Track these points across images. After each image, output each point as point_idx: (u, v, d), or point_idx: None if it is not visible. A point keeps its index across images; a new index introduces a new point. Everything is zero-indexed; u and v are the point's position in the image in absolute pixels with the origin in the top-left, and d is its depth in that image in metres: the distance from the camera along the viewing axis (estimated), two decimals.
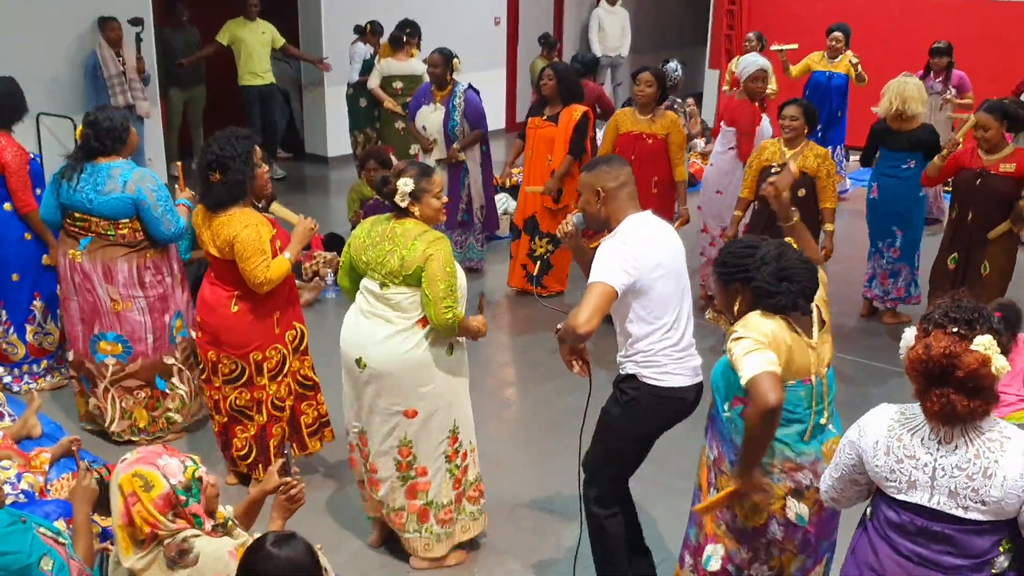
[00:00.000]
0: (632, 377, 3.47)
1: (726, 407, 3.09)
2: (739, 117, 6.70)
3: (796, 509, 3.03)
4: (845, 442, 2.59)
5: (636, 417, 3.51)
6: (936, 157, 5.86)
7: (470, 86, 7.32)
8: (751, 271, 3.02)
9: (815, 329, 3.06)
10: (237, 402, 4.47)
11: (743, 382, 2.85)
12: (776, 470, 3.05)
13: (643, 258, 3.32)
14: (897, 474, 2.42)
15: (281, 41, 10.04)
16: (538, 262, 6.78)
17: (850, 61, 8.95)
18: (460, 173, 7.29)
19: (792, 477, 3.04)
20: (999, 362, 2.25)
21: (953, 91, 8.75)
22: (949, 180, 6.11)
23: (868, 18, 11.07)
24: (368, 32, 9.94)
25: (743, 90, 6.84)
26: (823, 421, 3.07)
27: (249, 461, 4.56)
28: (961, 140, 5.76)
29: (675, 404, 3.50)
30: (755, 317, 2.99)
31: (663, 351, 3.41)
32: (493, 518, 4.29)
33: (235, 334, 4.36)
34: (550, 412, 5.49)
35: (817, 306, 3.09)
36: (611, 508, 3.66)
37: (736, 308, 3.10)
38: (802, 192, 5.83)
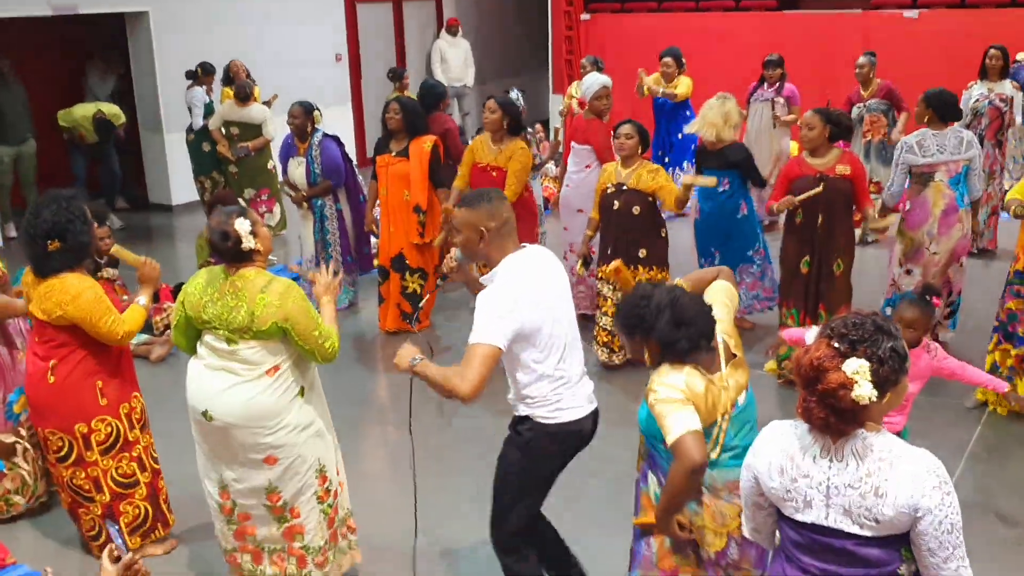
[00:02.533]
0: (527, 418, 3.42)
1: (662, 447, 3.06)
2: (593, 135, 6.88)
3: None
4: (743, 466, 2.57)
5: (535, 458, 3.46)
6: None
7: (326, 135, 7.27)
8: (648, 321, 3.01)
9: (723, 363, 3.05)
10: (74, 481, 4.22)
11: (668, 443, 2.89)
12: (724, 492, 3.07)
13: (523, 301, 3.25)
14: (793, 493, 2.38)
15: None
16: (419, 299, 6.78)
17: (651, 86, 9.29)
18: (316, 219, 7.29)
19: (739, 495, 3.10)
20: (862, 390, 2.21)
21: (782, 100, 9.15)
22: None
23: (701, 38, 11.52)
24: (200, 75, 9.71)
25: (589, 109, 7.02)
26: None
27: (100, 543, 4.30)
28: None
29: (572, 438, 3.47)
30: (666, 370, 3.00)
31: (555, 390, 3.38)
32: (367, 554, 4.21)
33: (54, 407, 4.11)
34: (426, 450, 5.41)
35: (724, 340, 3.09)
36: (522, 553, 3.61)
37: (647, 357, 3.12)
38: (637, 210, 6.00)
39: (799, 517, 2.39)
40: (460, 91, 14.14)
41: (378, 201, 6.93)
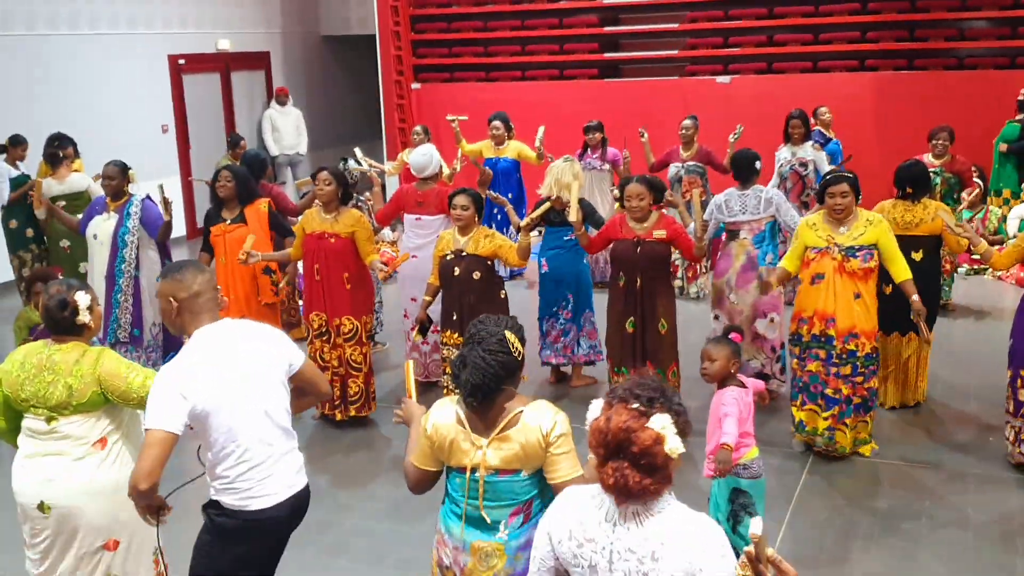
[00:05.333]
0: (216, 503, 3.33)
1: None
2: (431, 202, 7.09)
3: None
4: (539, 528, 2.56)
5: (227, 543, 3.33)
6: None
7: (148, 196, 7.09)
8: (463, 351, 3.10)
9: (495, 431, 3.01)
10: None
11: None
12: (436, 537, 3.19)
13: (201, 381, 3.17)
14: (579, 559, 2.39)
15: None
16: None
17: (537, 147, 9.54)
18: (112, 288, 6.96)
19: (439, 547, 3.17)
20: (672, 443, 2.27)
21: (607, 166, 9.53)
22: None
23: (528, 106, 11.88)
24: (8, 147, 9.27)
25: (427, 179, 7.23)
26: (487, 519, 3.05)
27: None
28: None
29: (264, 526, 3.34)
30: (436, 406, 3.14)
31: (241, 476, 3.27)
32: None
33: None
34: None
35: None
36: None
37: None
38: (477, 275, 6.12)
39: None
40: (293, 159, 14.08)
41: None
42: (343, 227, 6.31)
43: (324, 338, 6.40)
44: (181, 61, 13.00)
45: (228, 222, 6.68)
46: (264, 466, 3.30)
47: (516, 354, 3.08)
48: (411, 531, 5.04)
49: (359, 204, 7.72)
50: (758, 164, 6.62)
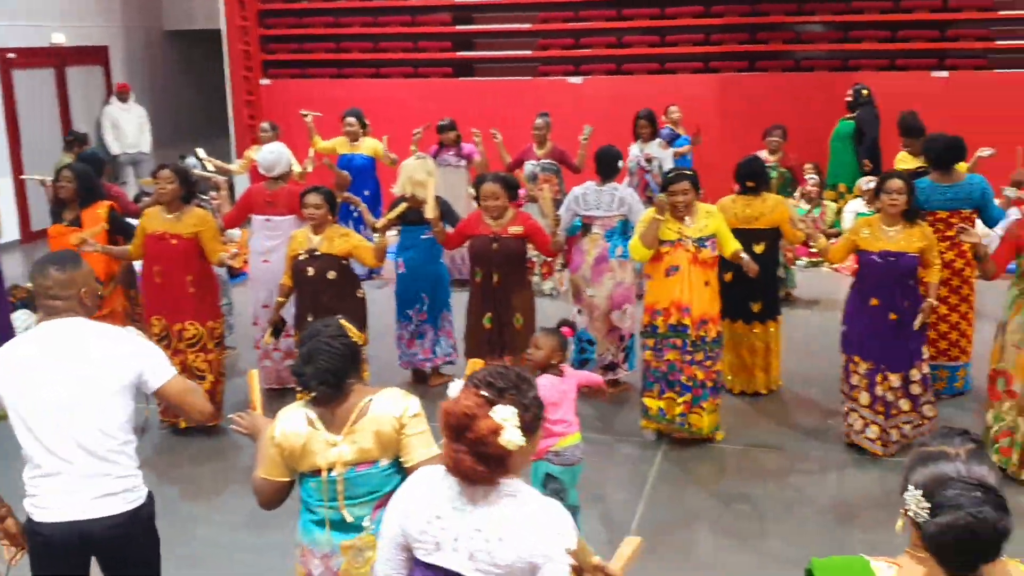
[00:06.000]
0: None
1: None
2: (281, 202, 6.89)
3: None
4: (389, 505, 2.55)
5: (33, 555, 3.21)
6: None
7: None
8: (304, 349, 3.05)
9: (347, 424, 3.00)
10: None
11: None
12: (297, 552, 3.12)
13: (4, 369, 3.14)
14: (427, 535, 2.39)
15: None
16: None
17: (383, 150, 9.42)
18: None
19: (304, 561, 3.11)
20: (509, 435, 2.27)
21: (464, 162, 9.54)
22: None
23: (382, 104, 11.76)
24: None
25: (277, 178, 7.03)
26: (349, 519, 3.03)
27: None
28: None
29: (51, 543, 3.14)
30: (282, 412, 3.06)
31: (32, 481, 3.15)
32: None
33: None
34: None
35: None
36: None
37: None
38: (332, 275, 6.01)
39: (428, 559, 2.41)
40: (136, 157, 13.51)
41: None
42: (186, 227, 6.08)
43: (165, 343, 6.14)
44: (11, 55, 12.28)
45: (66, 223, 6.38)
46: (56, 479, 3.11)
47: (356, 338, 3.10)
48: (267, 542, 4.88)
49: (202, 204, 7.44)
50: (620, 163, 6.80)
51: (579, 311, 6.72)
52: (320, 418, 3.01)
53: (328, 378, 2.96)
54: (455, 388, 2.45)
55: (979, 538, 1.86)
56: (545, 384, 4.38)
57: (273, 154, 7.06)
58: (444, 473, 2.43)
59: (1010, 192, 6.44)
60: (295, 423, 3.02)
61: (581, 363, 6.74)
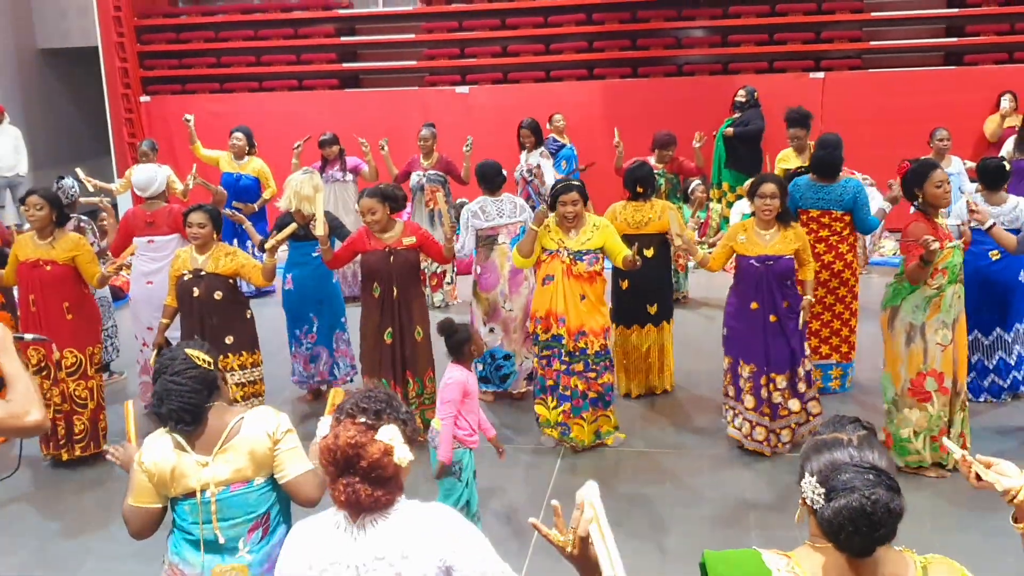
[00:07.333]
0: None
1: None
2: (162, 221, 6.75)
3: None
4: (276, 571, 2.47)
5: None
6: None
7: None
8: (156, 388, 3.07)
9: (218, 444, 2.99)
10: None
11: None
12: (165, 568, 3.09)
13: None
14: None
15: None
16: None
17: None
18: None
19: None
20: (400, 452, 2.30)
21: (351, 176, 9.44)
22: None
23: (267, 118, 11.58)
24: None
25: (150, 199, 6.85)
26: (222, 540, 3.00)
27: None
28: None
29: None
30: (149, 439, 3.03)
31: None
32: None
33: None
34: None
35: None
36: None
37: None
38: (219, 295, 5.88)
39: None
40: (13, 181, 12.94)
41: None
42: (60, 253, 5.85)
43: (44, 374, 5.90)
44: None
45: None
46: None
47: (206, 365, 3.06)
48: (158, 571, 4.72)
49: (82, 226, 7.18)
50: (502, 175, 6.85)
51: (491, 330, 6.69)
52: (187, 441, 2.99)
53: (184, 417, 2.98)
54: (324, 425, 2.46)
55: (873, 518, 1.91)
56: (460, 378, 4.52)
57: (146, 174, 6.88)
58: (323, 518, 2.40)
59: (885, 206, 6.63)
60: (162, 450, 2.99)
61: (501, 379, 6.76)
